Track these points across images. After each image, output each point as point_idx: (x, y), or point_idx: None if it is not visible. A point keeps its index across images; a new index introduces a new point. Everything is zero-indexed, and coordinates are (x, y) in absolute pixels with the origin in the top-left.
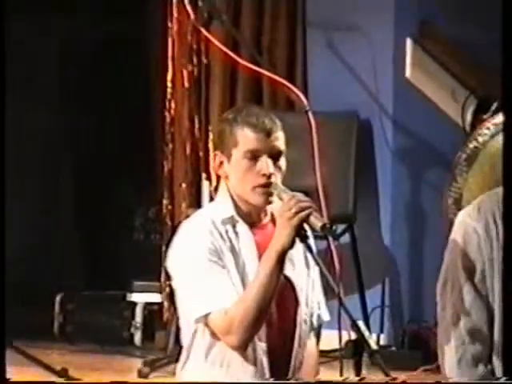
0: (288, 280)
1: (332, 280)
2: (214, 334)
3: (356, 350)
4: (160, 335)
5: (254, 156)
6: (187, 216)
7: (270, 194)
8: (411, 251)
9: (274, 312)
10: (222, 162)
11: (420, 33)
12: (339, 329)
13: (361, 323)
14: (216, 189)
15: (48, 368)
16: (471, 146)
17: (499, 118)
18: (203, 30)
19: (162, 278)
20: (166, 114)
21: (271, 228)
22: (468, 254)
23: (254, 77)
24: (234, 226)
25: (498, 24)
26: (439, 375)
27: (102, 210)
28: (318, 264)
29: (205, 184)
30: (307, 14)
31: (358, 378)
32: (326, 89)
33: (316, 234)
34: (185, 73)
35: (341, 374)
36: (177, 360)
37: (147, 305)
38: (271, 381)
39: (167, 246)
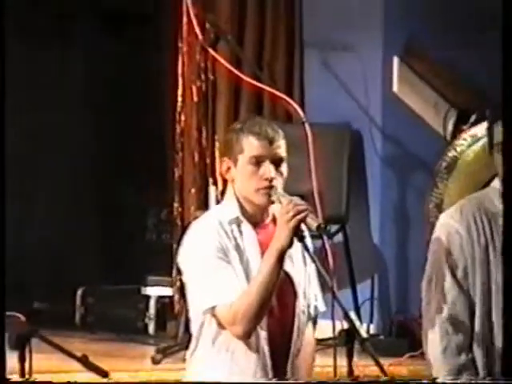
0: (287, 275)
1: (326, 275)
2: (220, 324)
3: (348, 339)
4: (171, 325)
5: (257, 161)
6: (196, 218)
7: (271, 195)
8: (398, 249)
9: (275, 304)
10: (229, 167)
11: (406, 52)
12: (333, 319)
13: (352, 314)
14: (222, 193)
15: (70, 354)
16: (450, 154)
17: (475, 130)
18: (210, 50)
19: (173, 274)
20: (177, 125)
21: (272, 227)
22: (451, 253)
23: (256, 91)
24: (238, 226)
25: (478, 43)
26: (423, 361)
27: (119, 213)
28: (313, 261)
29: (212, 189)
30: (304, 35)
31: (350, 378)
32: (321, 102)
33: (312, 233)
34: (193, 88)
35: (334, 361)
36: (187, 347)
37: (160, 298)
38: (273, 381)
39: (178, 244)
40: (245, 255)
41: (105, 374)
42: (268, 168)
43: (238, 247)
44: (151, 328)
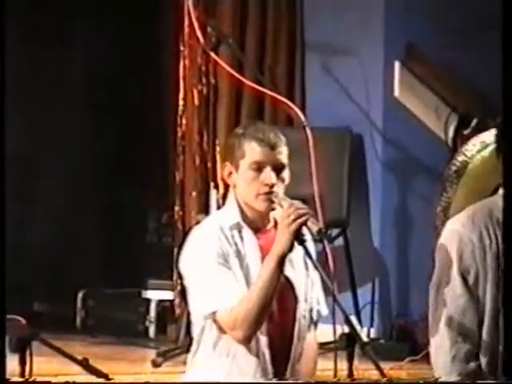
0: (288, 280)
1: (327, 279)
2: (220, 329)
3: (349, 342)
4: (171, 328)
5: (258, 167)
6: (197, 221)
7: (273, 202)
8: (399, 253)
9: (275, 309)
10: (230, 172)
11: (407, 57)
12: (334, 323)
13: (353, 318)
14: (224, 197)
15: (71, 358)
16: (460, 159)
17: (484, 136)
18: (212, 54)
19: (174, 278)
20: (178, 128)
21: (274, 233)
22: (463, 260)
23: (257, 95)
24: (239, 232)
25: (480, 47)
26: (424, 365)
27: (120, 216)
28: (315, 265)
29: (213, 192)
30: (306, 39)
31: (350, 379)
32: (322, 106)
33: (313, 237)
34: (195, 92)
35: (335, 364)
36: (187, 351)
37: (160, 301)
38: (274, 381)
39: (179, 248)
40: (245, 260)
41: (105, 377)
42: (269, 174)
43: (238, 253)
44: (152, 331)
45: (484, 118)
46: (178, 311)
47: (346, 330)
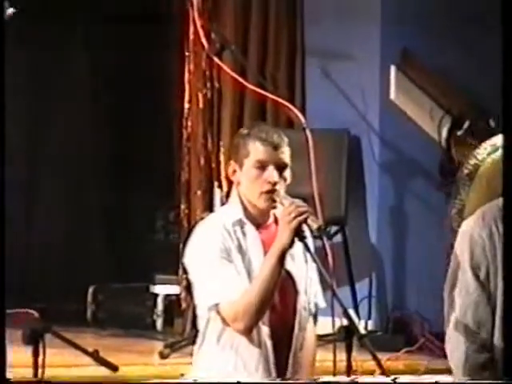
0: (289, 274)
1: (326, 274)
2: (224, 321)
3: (347, 335)
4: (178, 321)
5: (262, 166)
6: (201, 218)
7: (274, 200)
8: (394, 249)
9: (277, 301)
10: (235, 170)
11: (402, 61)
12: (332, 316)
13: (351, 311)
14: (227, 195)
15: (82, 349)
16: (472, 162)
17: (495, 139)
18: (216, 59)
19: (180, 273)
20: (183, 130)
21: (274, 228)
22: (474, 257)
23: (259, 98)
24: (242, 228)
25: (472, 52)
26: (419, 356)
27: (129, 215)
28: (314, 260)
29: (217, 191)
30: (306, 45)
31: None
32: (321, 109)
33: (312, 234)
34: (200, 95)
35: (334, 355)
36: (193, 342)
37: (167, 296)
38: (276, 381)
39: (184, 244)
40: (247, 255)
41: (115, 368)
42: (272, 172)
43: (240, 248)
44: (159, 324)
45: (476, 120)
46: (183, 305)
47: (345, 322)
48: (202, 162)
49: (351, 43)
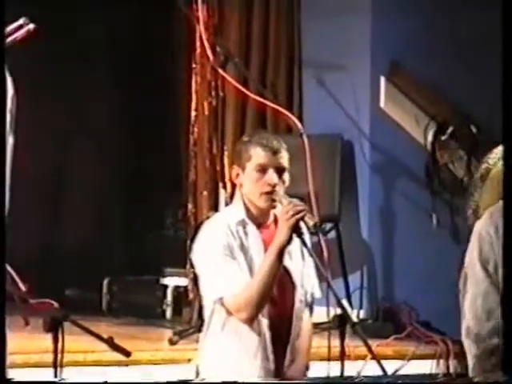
0: (286, 269)
1: (321, 267)
2: (228, 311)
3: (341, 323)
4: (186, 311)
5: (262, 169)
6: (207, 217)
7: (274, 200)
8: (384, 244)
9: (276, 295)
10: (238, 174)
11: (391, 72)
12: (327, 306)
13: (344, 301)
14: (231, 197)
15: (97, 336)
16: (484, 166)
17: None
18: (220, 70)
19: (188, 266)
20: (190, 136)
21: (274, 227)
22: (483, 251)
23: (260, 107)
24: (244, 227)
25: (453, 63)
26: (407, 342)
27: (141, 213)
28: (311, 255)
29: (221, 192)
30: (303, 57)
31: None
32: (316, 116)
33: (309, 230)
34: (205, 104)
35: (328, 342)
36: (199, 330)
37: (176, 287)
38: (276, 381)
39: (191, 241)
40: (249, 252)
41: (127, 354)
42: (272, 175)
43: (242, 246)
44: (168, 313)
45: (459, 126)
46: (191, 296)
47: (338, 311)
48: (208, 164)
49: (344, 56)
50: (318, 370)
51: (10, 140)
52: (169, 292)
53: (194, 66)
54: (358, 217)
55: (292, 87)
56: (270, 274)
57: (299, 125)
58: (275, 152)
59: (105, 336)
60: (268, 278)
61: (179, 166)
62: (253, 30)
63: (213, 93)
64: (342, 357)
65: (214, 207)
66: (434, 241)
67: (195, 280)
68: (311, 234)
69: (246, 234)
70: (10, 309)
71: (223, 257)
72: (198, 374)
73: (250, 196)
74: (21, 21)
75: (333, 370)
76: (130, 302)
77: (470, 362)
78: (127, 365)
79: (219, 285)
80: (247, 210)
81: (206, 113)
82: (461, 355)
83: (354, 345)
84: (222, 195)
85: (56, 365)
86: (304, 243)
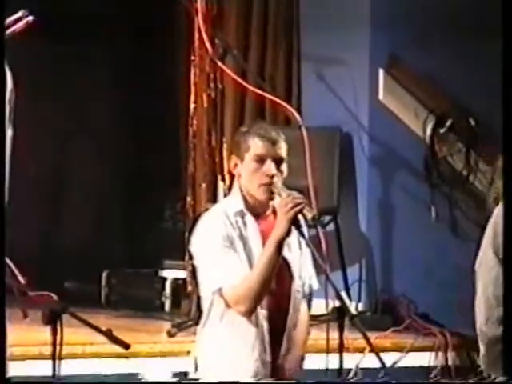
0: (285, 260)
1: (320, 259)
2: (226, 303)
3: (339, 315)
4: (185, 303)
5: (261, 159)
6: (206, 209)
7: (272, 192)
8: (382, 237)
9: (274, 286)
10: (236, 164)
11: (390, 65)
12: (326, 298)
13: (343, 294)
14: (229, 188)
15: (96, 329)
16: None
17: None
18: (219, 62)
19: (186, 258)
20: (189, 128)
21: (273, 219)
22: (497, 238)
23: (259, 99)
24: (243, 218)
25: (452, 57)
26: (405, 335)
27: (140, 205)
28: (309, 247)
29: (220, 184)
30: (302, 50)
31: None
32: (315, 108)
33: (307, 223)
34: (204, 96)
35: (327, 334)
36: (197, 323)
37: (174, 279)
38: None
39: (190, 232)
40: (248, 243)
41: (126, 346)
42: (270, 166)
43: (241, 236)
44: (167, 306)
45: (458, 119)
46: (189, 288)
47: (337, 304)
48: (207, 157)
49: (343, 49)
50: (316, 362)
51: (8, 132)
52: (167, 284)
53: (192, 58)
54: (357, 209)
55: (291, 80)
56: (269, 266)
57: (298, 117)
58: (274, 142)
59: (104, 328)
60: (267, 271)
61: (178, 159)
62: (252, 22)
63: (212, 85)
64: (341, 349)
65: (213, 199)
66: (433, 233)
67: (194, 272)
68: (310, 226)
69: (244, 224)
70: (9, 301)
71: (222, 248)
72: (196, 366)
73: (248, 187)
74: (20, 13)
75: (331, 362)
76: (128, 294)
77: (481, 347)
78: (126, 357)
79: (218, 275)
80: (245, 201)
81: (205, 105)
82: (459, 347)
83: (352, 337)
84: (221, 188)
85: (55, 357)
86: (302, 235)
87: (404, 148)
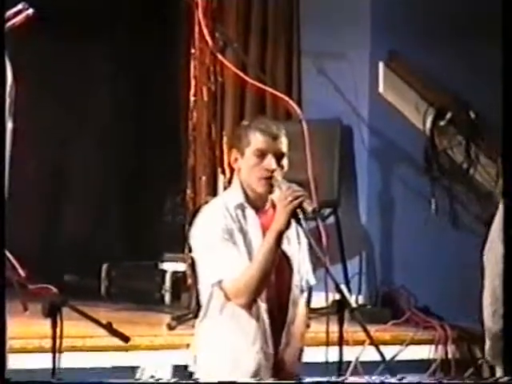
0: (284, 254)
1: (320, 252)
2: (226, 296)
3: (339, 308)
4: (184, 296)
5: (261, 154)
6: (206, 202)
7: (272, 186)
8: (383, 229)
9: (273, 279)
10: (236, 158)
11: (390, 58)
12: (326, 291)
13: (343, 286)
14: (230, 181)
15: (96, 322)
16: None
17: None
18: (219, 55)
19: (186, 251)
20: (189, 121)
21: (272, 212)
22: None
23: (259, 92)
24: (243, 211)
25: (452, 50)
26: (405, 328)
27: (141, 198)
28: (309, 240)
29: (220, 177)
30: (302, 44)
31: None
32: (316, 102)
33: (307, 216)
34: (204, 89)
35: (327, 327)
36: (197, 316)
37: (174, 272)
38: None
39: (190, 225)
40: (248, 236)
41: (126, 339)
42: (270, 160)
43: (241, 229)
44: (167, 299)
45: (458, 111)
46: (189, 281)
47: (337, 297)
48: (207, 150)
49: (343, 43)
50: (316, 355)
51: (9, 125)
52: (167, 277)
53: (192, 51)
54: (357, 202)
55: (291, 73)
56: (269, 259)
57: (298, 111)
58: (274, 137)
59: (103, 321)
60: (266, 264)
61: (178, 152)
62: (252, 16)
63: (212, 78)
64: (341, 342)
65: (213, 192)
66: (433, 226)
67: (193, 265)
68: (310, 219)
69: (244, 217)
70: (9, 294)
71: (222, 240)
72: (195, 360)
73: (248, 181)
74: (20, 6)
75: (331, 355)
76: (128, 287)
77: (487, 339)
78: (126, 350)
79: (218, 268)
80: (245, 194)
81: (205, 98)
82: (459, 340)
83: (352, 330)
84: (221, 181)
85: (55, 350)
86: (302, 228)
87: (404, 141)
